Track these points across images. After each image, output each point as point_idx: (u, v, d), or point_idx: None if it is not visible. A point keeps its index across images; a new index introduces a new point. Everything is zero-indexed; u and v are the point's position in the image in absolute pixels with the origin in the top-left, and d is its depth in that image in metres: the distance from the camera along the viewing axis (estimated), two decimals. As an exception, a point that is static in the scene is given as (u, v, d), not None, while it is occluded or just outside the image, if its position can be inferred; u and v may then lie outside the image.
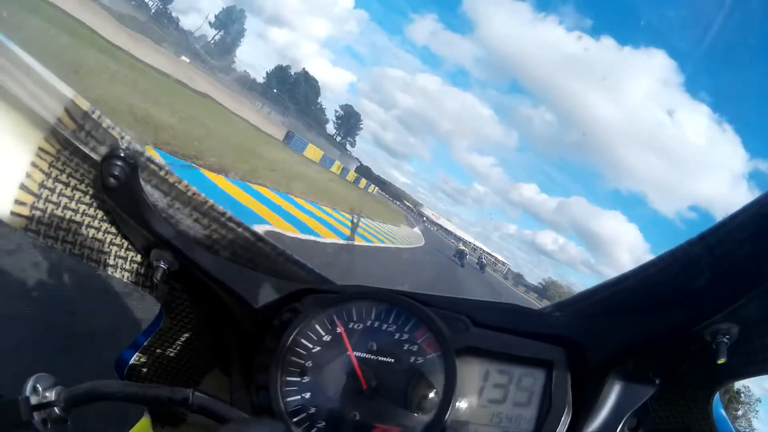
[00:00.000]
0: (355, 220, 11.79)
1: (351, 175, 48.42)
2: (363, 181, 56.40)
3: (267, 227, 6.15)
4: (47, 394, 0.48)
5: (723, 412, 0.53)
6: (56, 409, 0.48)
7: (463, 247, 30.76)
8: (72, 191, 0.51)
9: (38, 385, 0.48)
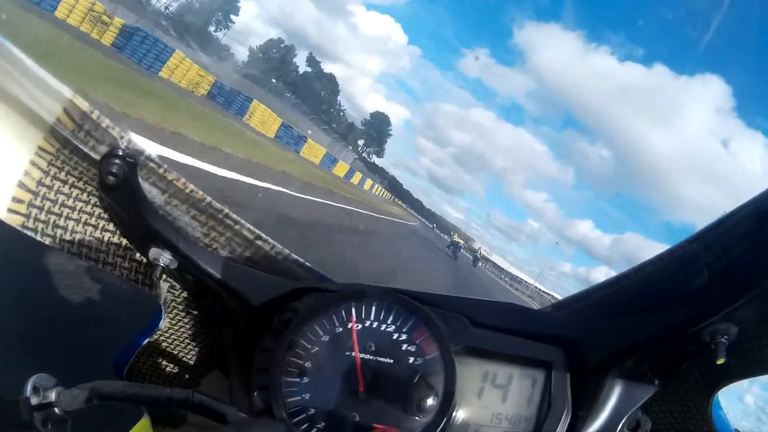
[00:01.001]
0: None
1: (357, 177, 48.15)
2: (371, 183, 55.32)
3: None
4: (47, 395, 0.48)
5: (722, 412, 0.54)
6: (56, 410, 0.48)
7: (458, 240, 30.72)
8: (70, 189, 0.51)
9: (38, 386, 0.48)
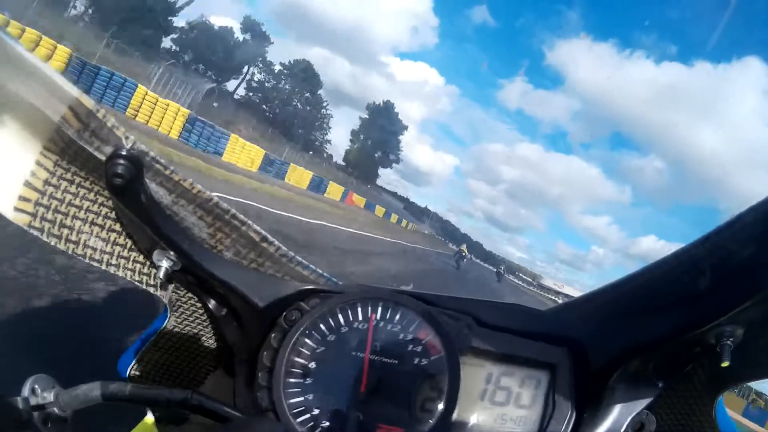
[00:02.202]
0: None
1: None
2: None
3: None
4: (46, 395, 0.48)
5: (727, 414, 0.54)
6: (56, 410, 0.48)
7: (464, 250, 30.49)
8: (77, 189, 0.51)
9: (37, 386, 0.48)
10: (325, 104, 57.86)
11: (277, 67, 52.87)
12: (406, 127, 61.94)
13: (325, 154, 61.79)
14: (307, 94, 54.67)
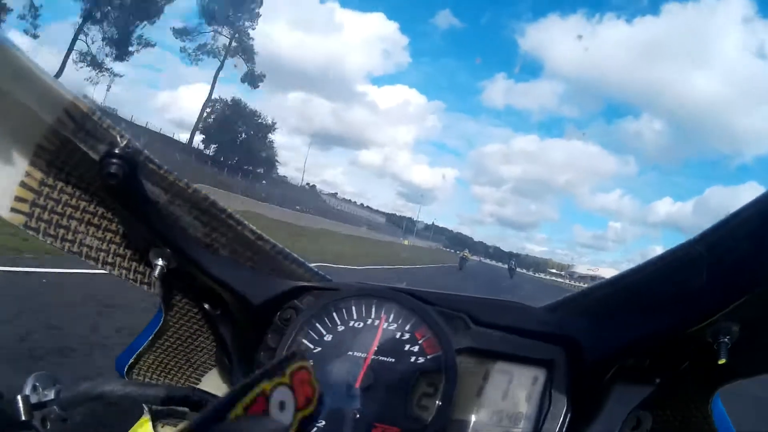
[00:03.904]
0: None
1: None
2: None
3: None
4: (47, 393, 0.48)
5: (724, 411, 0.53)
6: (56, 408, 0.48)
7: (466, 254, 32.33)
8: (72, 188, 0.51)
9: (38, 384, 0.48)
10: (273, 126, 55.33)
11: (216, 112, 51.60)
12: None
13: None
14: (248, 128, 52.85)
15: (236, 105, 51.71)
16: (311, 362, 0.40)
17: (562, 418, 0.52)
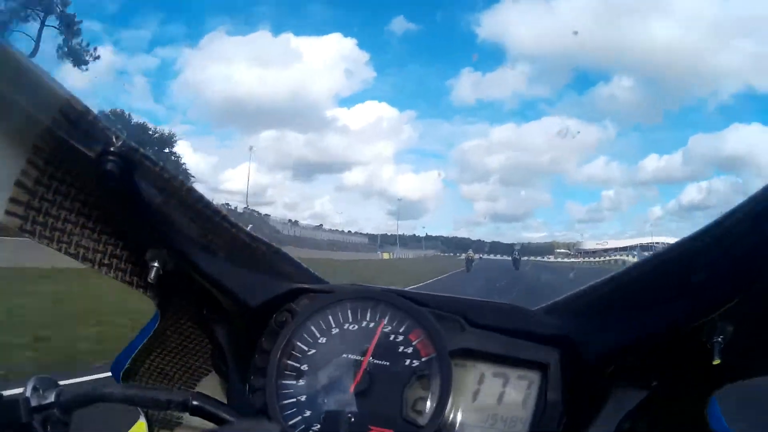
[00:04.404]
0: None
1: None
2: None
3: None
4: (47, 396, 0.48)
5: (719, 413, 0.53)
6: (56, 411, 0.48)
7: (470, 255, 32.84)
8: (68, 189, 0.51)
9: (38, 387, 0.48)
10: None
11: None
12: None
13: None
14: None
15: (119, 117, 42.69)
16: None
17: (557, 421, 0.51)
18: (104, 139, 0.46)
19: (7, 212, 0.48)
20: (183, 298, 0.60)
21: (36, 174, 0.49)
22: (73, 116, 0.45)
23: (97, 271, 0.54)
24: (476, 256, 36.97)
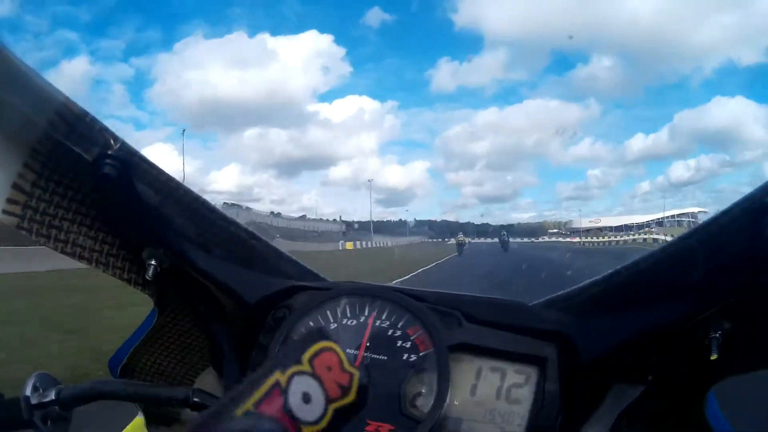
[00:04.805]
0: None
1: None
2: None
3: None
4: (47, 393, 0.48)
5: (717, 408, 0.53)
6: (56, 408, 0.48)
7: (461, 239, 31.95)
8: (64, 189, 0.51)
9: (38, 384, 0.48)
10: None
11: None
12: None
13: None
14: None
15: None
16: (334, 343, 0.39)
17: (555, 416, 0.52)
18: (102, 141, 0.46)
19: (4, 211, 0.48)
20: (180, 295, 0.60)
21: (33, 176, 0.49)
22: (70, 119, 0.45)
23: (95, 269, 0.54)
24: (467, 240, 36.90)
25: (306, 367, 0.36)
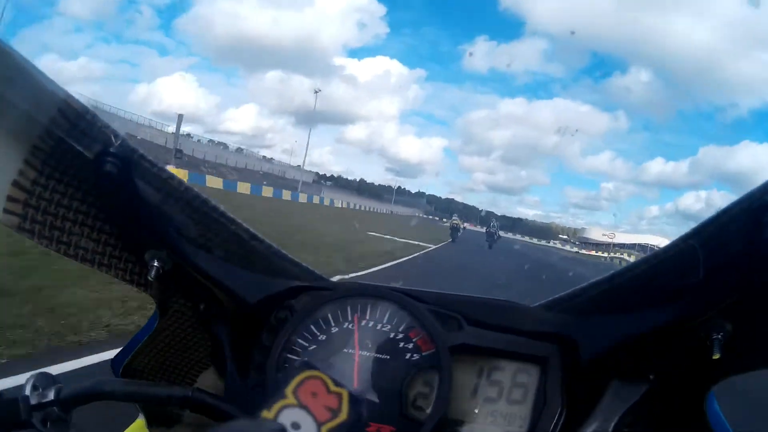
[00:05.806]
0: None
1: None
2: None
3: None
4: (47, 393, 0.48)
5: (718, 408, 0.53)
6: (56, 408, 0.48)
7: (456, 221, 29.22)
8: (65, 188, 0.51)
9: (38, 384, 0.47)
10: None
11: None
12: None
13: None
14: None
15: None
16: (316, 370, 0.39)
17: (557, 416, 0.52)
18: (103, 138, 0.46)
19: (5, 210, 0.48)
20: (183, 296, 0.60)
21: (34, 174, 0.48)
22: (71, 115, 0.45)
23: (98, 270, 0.54)
24: (463, 224, 34.12)
25: (291, 399, 0.37)
